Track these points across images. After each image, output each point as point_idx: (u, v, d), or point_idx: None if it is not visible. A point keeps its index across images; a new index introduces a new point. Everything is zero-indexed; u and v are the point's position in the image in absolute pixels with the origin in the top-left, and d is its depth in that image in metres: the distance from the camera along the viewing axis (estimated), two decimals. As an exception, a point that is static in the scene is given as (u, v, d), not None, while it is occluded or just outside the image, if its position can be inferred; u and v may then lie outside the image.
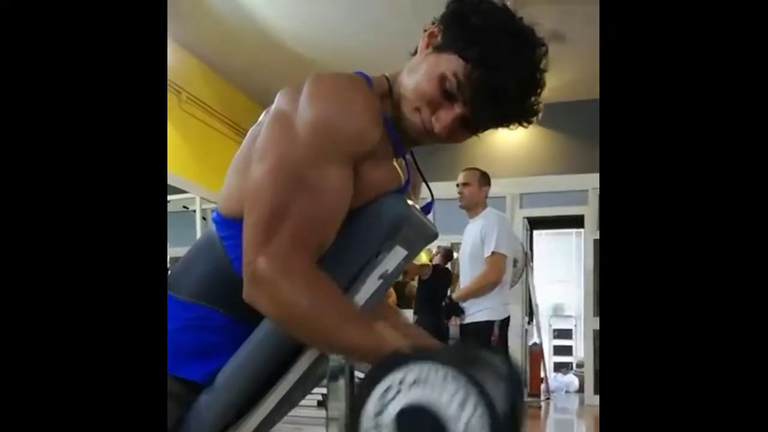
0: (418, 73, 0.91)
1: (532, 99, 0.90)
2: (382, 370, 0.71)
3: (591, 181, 5.53)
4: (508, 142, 5.91)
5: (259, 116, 0.93)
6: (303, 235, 0.80)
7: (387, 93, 0.93)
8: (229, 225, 0.91)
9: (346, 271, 0.88)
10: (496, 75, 0.85)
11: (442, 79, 0.87)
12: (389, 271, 0.89)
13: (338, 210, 0.83)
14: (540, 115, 0.92)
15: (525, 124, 0.92)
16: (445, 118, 0.89)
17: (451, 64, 0.87)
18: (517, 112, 0.91)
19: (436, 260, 5.12)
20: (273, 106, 0.88)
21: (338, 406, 0.93)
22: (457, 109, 0.88)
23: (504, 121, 0.92)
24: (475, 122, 0.91)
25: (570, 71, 5.14)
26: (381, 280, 0.89)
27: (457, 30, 0.88)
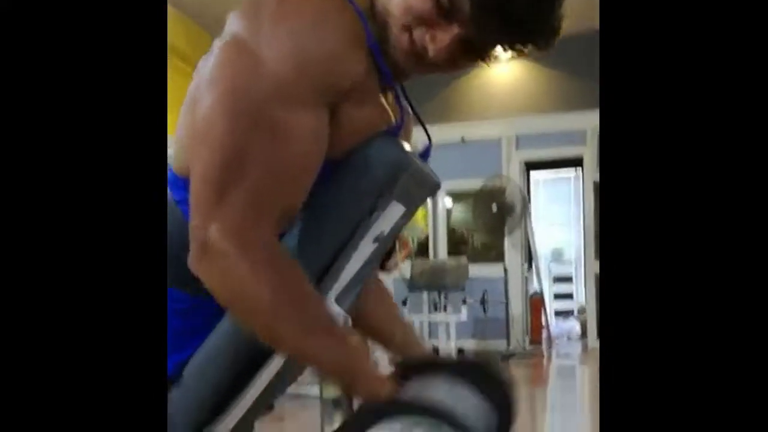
0: None
1: (548, 11, 0.72)
2: (368, 420, 0.69)
3: (590, 120, 5.36)
4: (501, 80, 5.68)
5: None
6: (265, 194, 0.67)
7: (369, 9, 0.76)
8: (185, 185, 0.74)
9: (336, 233, 0.75)
10: None
11: None
12: (385, 233, 0.76)
13: (309, 164, 0.69)
14: (559, 34, 0.74)
15: (541, 44, 0.73)
16: (441, 39, 0.73)
17: None
18: (530, 29, 0.72)
19: None
20: (225, 30, 0.71)
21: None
22: (456, 29, 0.73)
23: (514, 40, 0.73)
24: (480, 44, 0.73)
25: (565, 2, 4.87)
26: (376, 244, 0.76)
27: None
